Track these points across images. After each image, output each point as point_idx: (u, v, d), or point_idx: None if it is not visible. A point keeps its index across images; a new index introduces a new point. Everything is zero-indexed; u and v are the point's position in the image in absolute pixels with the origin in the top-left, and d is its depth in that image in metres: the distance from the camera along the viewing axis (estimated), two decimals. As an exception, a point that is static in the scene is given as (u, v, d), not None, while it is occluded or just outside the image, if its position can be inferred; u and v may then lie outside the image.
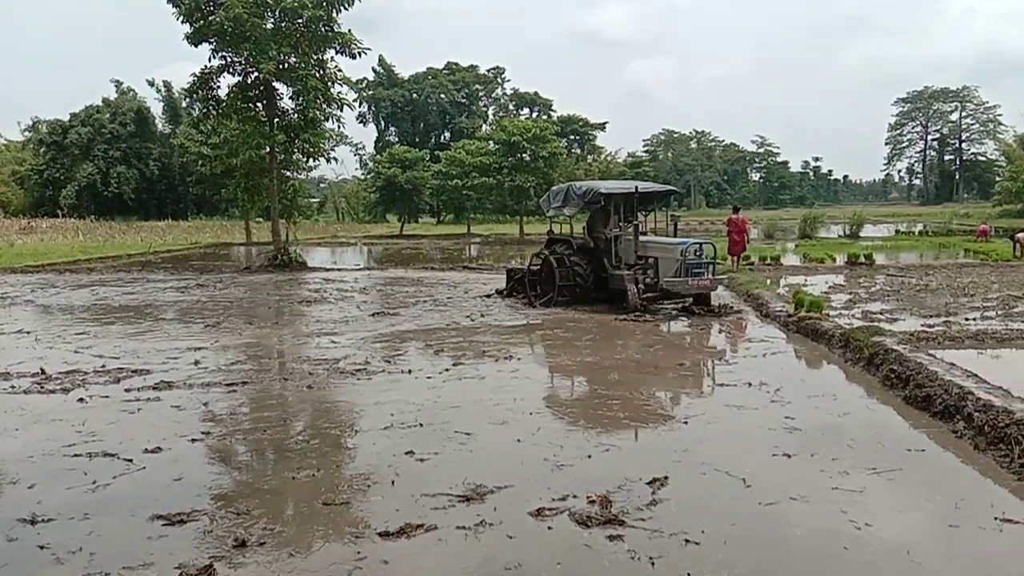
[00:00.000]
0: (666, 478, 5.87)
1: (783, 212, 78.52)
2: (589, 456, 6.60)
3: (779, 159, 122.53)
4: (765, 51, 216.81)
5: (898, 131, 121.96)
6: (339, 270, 25.81)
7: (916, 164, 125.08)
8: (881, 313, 13.58)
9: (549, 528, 5.12)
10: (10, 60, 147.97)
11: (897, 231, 45.07)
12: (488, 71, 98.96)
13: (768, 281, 18.97)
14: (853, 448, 6.74)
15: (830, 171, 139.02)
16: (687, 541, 4.87)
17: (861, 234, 39.20)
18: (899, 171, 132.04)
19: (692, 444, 6.92)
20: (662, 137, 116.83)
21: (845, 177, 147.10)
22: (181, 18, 25.38)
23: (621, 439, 7.13)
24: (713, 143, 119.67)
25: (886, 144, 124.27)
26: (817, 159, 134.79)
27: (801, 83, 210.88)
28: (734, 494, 5.69)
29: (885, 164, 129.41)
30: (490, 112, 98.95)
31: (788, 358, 10.83)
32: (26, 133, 75.71)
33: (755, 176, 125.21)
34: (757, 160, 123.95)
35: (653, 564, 4.59)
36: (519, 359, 10.68)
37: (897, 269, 21.86)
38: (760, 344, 11.51)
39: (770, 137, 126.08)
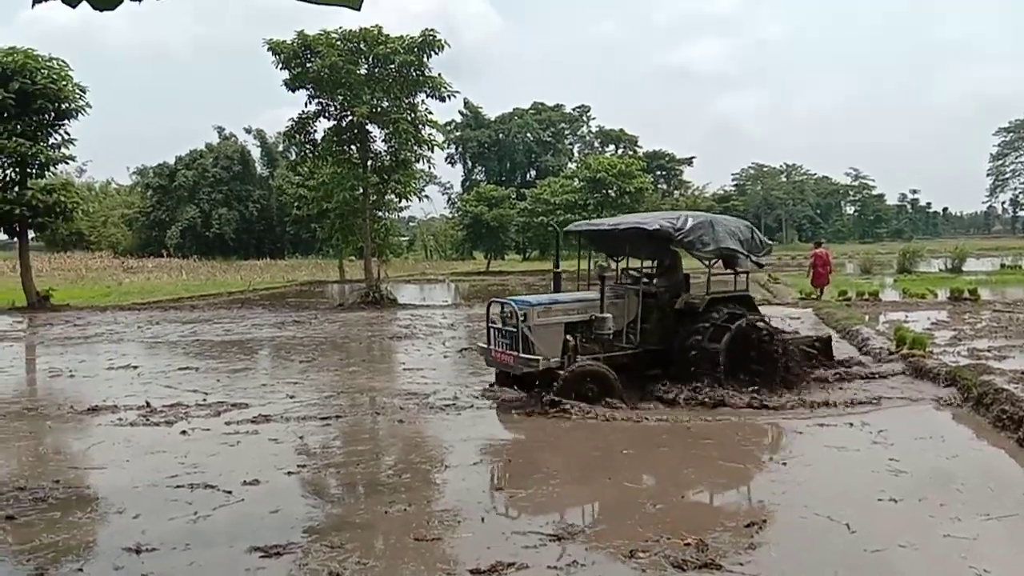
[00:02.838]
0: (764, 521, 5.68)
1: (879, 246, 75.91)
2: (683, 496, 6.46)
3: (874, 192, 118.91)
4: (860, 82, 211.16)
5: (1000, 161, 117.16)
6: (428, 307, 26.14)
7: (1021, 195, 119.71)
8: (988, 350, 12.94)
9: (643, 571, 5.01)
10: (120, 107, 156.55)
11: (1002, 265, 42.92)
12: (573, 109, 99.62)
13: (866, 317, 18.32)
14: (963, 492, 6.40)
15: (928, 204, 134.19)
16: None
17: (964, 268, 37.51)
18: (1002, 203, 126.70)
19: (791, 487, 6.68)
20: (751, 171, 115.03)
21: (945, 210, 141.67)
22: (280, 65, 26.45)
23: (716, 480, 6.94)
24: (804, 176, 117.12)
25: (988, 175, 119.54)
26: (915, 191, 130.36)
27: (898, 114, 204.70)
28: (838, 540, 5.45)
29: (987, 196, 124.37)
30: (575, 150, 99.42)
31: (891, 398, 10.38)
32: (134, 177, 79.90)
33: (850, 209, 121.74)
34: (851, 193, 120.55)
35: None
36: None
37: (1004, 304, 20.82)
38: (859, 382, 11.07)
39: (865, 169, 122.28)
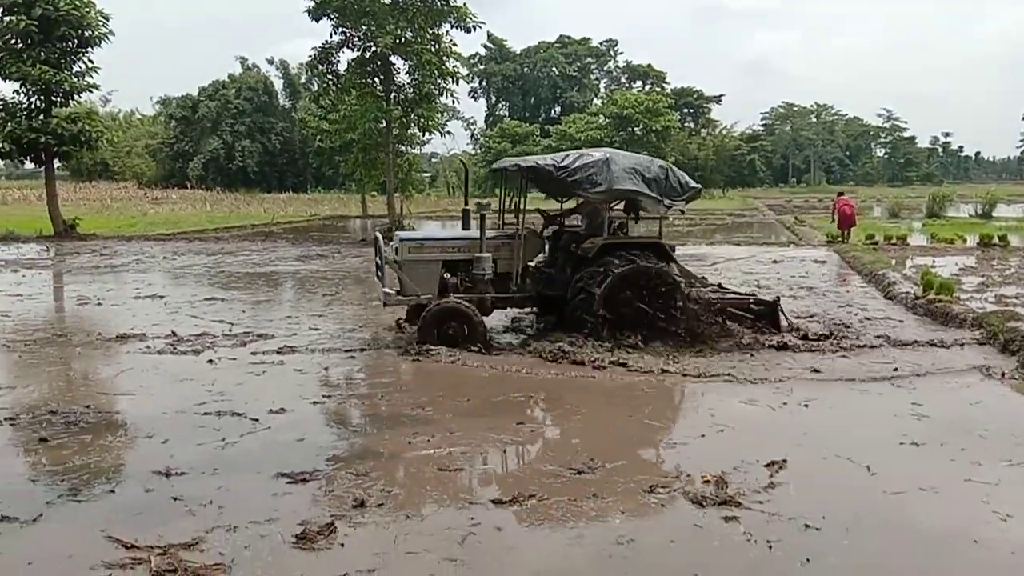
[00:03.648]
0: (785, 461, 5.70)
1: (909, 190, 74.77)
2: (703, 436, 6.49)
3: (906, 134, 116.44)
4: (896, 20, 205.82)
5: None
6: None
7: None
8: (1016, 297, 12.79)
9: (663, 506, 5.07)
10: (141, 38, 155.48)
11: (1035, 211, 42.23)
12: (601, 43, 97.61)
13: (893, 261, 18.12)
14: (986, 439, 6.39)
15: (960, 147, 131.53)
16: (807, 526, 4.72)
17: (994, 214, 36.84)
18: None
19: (813, 428, 6.70)
20: (781, 110, 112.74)
21: (977, 154, 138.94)
22: (303, -6, 26.08)
23: (737, 420, 6.95)
24: (835, 117, 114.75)
25: (1023, 119, 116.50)
26: (947, 135, 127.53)
27: (933, 55, 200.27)
28: (858, 481, 5.48)
29: (1021, 141, 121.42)
30: (602, 85, 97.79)
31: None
32: (157, 107, 79.74)
33: (880, 152, 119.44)
34: (882, 135, 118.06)
35: (771, 547, 4.47)
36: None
37: (1035, 251, 20.51)
38: (884, 326, 11.00)
39: (897, 111, 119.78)
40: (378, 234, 10.27)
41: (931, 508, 5.13)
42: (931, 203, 38.06)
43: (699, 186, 10.53)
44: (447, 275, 9.81)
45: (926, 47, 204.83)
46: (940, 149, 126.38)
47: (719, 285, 11.31)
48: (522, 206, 10.35)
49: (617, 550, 4.48)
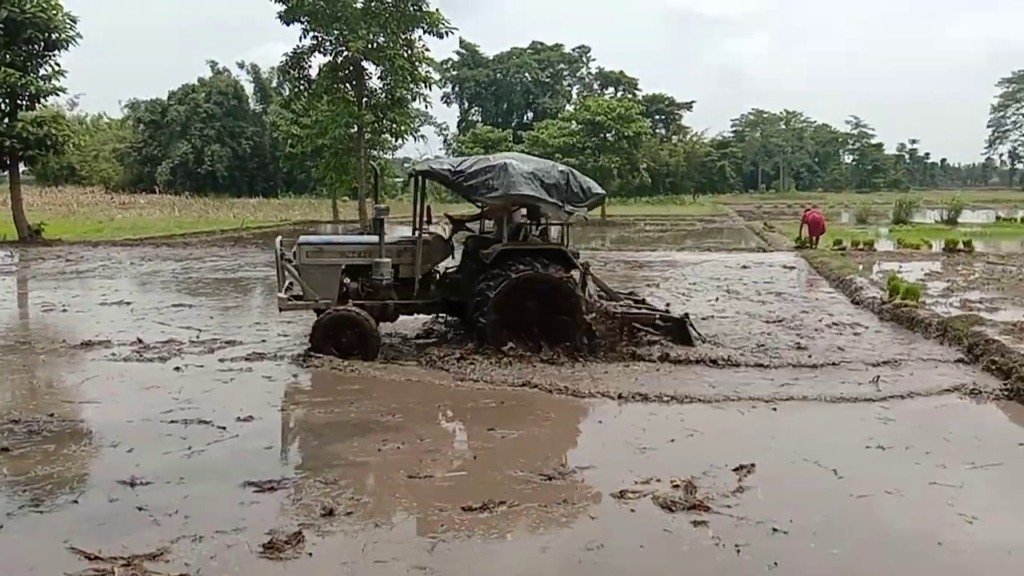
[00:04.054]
0: (753, 465, 5.74)
1: (876, 196, 75.79)
2: (673, 440, 6.52)
3: (873, 141, 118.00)
4: (865, 29, 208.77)
5: (1001, 113, 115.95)
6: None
7: (1020, 148, 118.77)
8: (981, 302, 12.99)
9: (632, 511, 5.08)
10: (110, 41, 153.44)
11: (998, 217, 42.89)
12: (573, 50, 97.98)
13: (860, 267, 18.36)
14: (950, 442, 6.49)
15: (927, 154, 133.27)
16: (774, 530, 4.76)
17: (959, 220, 37.48)
18: (1001, 155, 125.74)
19: (781, 432, 6.76)
20: (751, 117, 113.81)
21: (943, 161, 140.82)
22: (274, -2, 25.95)
23: (706, 424, 6.99)
24: (804, 123, 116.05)
25: (988, 127, 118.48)
26: (914, 142, 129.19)
27: (901, 63, 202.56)
28: (825, 485, 5.54)
29: (986, 148, 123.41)
30: (574, 91, 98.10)
31: (882, 347, 10.43)
32: (126, 111, 78.72)
33: (848, 158, 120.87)
34: (850, 142, 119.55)
35: (739, 551, 4.50)
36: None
37: (998, 257, 20.85)
38: (852, 331, 11.13)
39: (865, 118, 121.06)
40: (279, 239, 10.07)
41: (897, 511, 5.19)
42: (898, 209, 38.64)
43: (603, 192, 10.20)
44: (347, 280, 9.67)
45: (894, 55, 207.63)
46: (907, 156, 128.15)
47: (642, 299, 11.05)
48: (421, 210, 9.89)
49: (587, 556, 4.48)
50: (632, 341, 9.65)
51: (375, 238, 9.66)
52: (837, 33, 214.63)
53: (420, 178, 10.01)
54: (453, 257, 10.30)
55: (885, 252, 22.90)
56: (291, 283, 9.72)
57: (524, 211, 9.85)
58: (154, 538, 4.59)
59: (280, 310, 9.88)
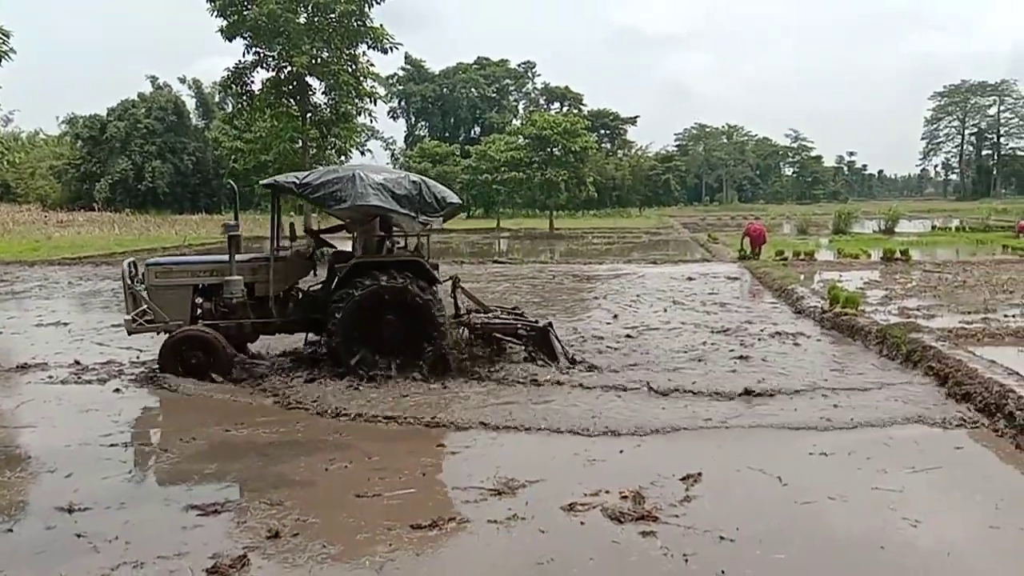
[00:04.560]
0: (700, 475, 5.81)
1: (816, 207, 77.54)
2: (621, 451, 6.55)
3: (812, 154, 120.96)
4: (804, 45, 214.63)
5: (934, 126, 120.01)
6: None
7: (953, 159, 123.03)
8: (918, 309, 13.34)
9: (582, 523, 5.09)
10: (47, 55, 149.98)
11: (933, 227, 44.31)
12: (519, 66, 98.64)
13: (802, 276, 18.73)
14: (891, 447, 6.62)
15: (864, 166, 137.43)
16: (721, 538, 4.81)
17: (896, 230, 38.55)
18: (935, 166, 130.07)
19: (725, 441, 6.84)
20: (694, 131, 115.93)
21: (880, 172, 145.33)
22: (215, 13, 25.63)
23: (653, 435, 7.04)
24: (746, 137, 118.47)
25: (922, 139, 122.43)
26: (852, 154, 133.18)
27: (839, 79, 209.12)
28: (769, 492, 5.62)
29: (921, 159, 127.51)
30: (520, 107, 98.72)
31: (823, 355, 10.65)
32: (63, 127, 76.83)
33: (788, 171, 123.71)
34: (790, 155, 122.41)
35: (687, 561, 4.54)
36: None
37: (934, 265, 21.47)
38: (794, 339, 11.34)
39: (805, 132, 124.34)
40: (126, 263, 9.78)
41: (841, 516, 5.28)
42: (837, 220, 39.56)
43: (459, 201, 9.89)
44: (200, 300, 9.45)
45: (832, 70, 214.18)
46: (845, 168, 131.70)
47: (521, 312, 10.71)
48: (277, 226, 9.63)
49: (538, 570, 4.47)
50: (496, 351, 9.55)
51: (226, 257, 9.39)
52: (777, 49, 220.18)
53: (274, 193, 9.70)
54: (316, 273, 9.99)
55: (825, 262, 23.42)
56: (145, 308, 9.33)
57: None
58: (94, 566, 4.47)
59: (128, 333, 9.52)
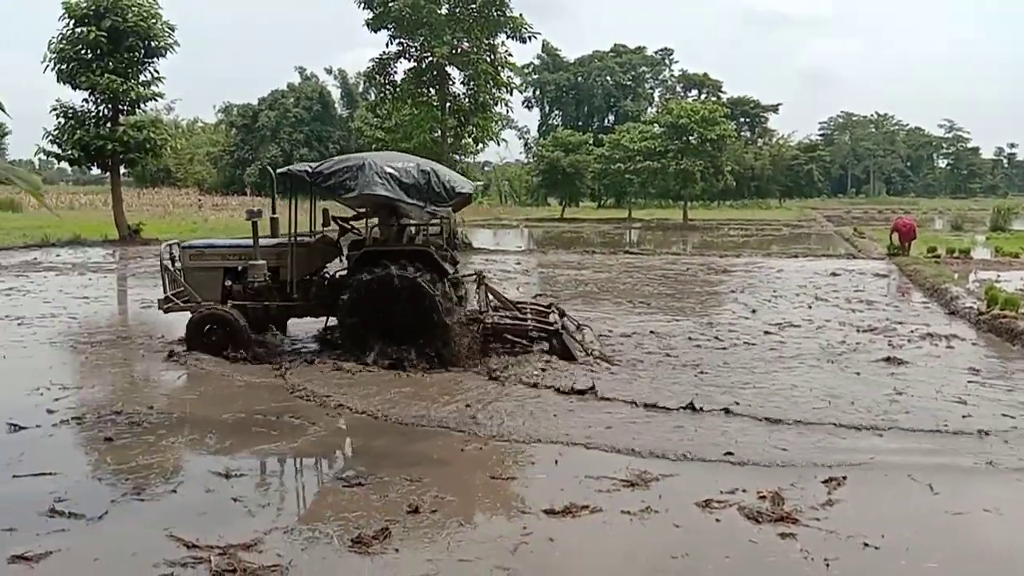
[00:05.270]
0: (844, 478, 5.61)
1: (972, 202, 72.90)
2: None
3: (969, 145, 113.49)
4: (959, 30, 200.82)
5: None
6: (502, 252, 26.14)
7: None
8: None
9: (717, 520, 5.01)
10: (205, 45, 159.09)
11: (1105, 225, 40.82)
12: (656, 53, 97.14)
13: (956, 275, 17.65)
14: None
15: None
16: (866, 545, 4.63)
17: (1063, 228, 35.80)
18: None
19: (872, 444, 6.56)
20: (840, 120, 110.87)
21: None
22: (361, 5, 26.48)
23: (796, 435, 6.83)
24: (896, 127, 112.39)
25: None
26: (1013, 146, 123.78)
27: (998, 64, 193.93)
28: (919, 500, 5.36)
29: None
30: (656, 95, 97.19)
31: (980, 359, 10.02)
32: (219, 115, 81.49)
33: (942, 163, 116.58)
34: (944, 146, 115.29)
35: (828, 566, 4.40)
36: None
37: (1107, 267, 19.79)
38: (947, 342, 10.72)
39: (960, 121, 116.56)
40: (165, 244, 10.24)
41: (997, 530, 5.00)
42: (995, 216, 37.04)
43: (470, 191, 9.71)
44: (229, 283, 9.75)
45: (991, 55, 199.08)
46: (1005, 160, 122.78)
47: (542, 307, 10.71)
48: (294, 212, 9.60)
49: (671, 564, 4.45)
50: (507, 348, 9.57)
51: (265, 240, 9.74)
52: (930, 34, 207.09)
53: (289, 180, 9.81)
54: (342, 259, 10.08)
55: (982, 260, 22.04)
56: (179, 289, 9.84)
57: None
58: (249, 529, 4.76)
59: (165, 311, 9.98)
